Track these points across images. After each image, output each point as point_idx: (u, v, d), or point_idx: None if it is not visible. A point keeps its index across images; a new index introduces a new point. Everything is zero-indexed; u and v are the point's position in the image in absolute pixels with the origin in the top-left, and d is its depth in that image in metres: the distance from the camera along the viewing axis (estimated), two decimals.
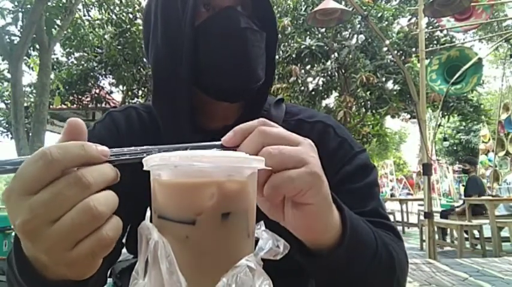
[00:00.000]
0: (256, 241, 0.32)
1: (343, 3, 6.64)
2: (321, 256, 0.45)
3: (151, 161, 0.30)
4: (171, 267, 0.27)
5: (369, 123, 10.47)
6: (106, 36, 7.66)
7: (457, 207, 6.48)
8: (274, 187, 0.36)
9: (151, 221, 0.31)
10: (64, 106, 8.55)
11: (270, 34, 0.66)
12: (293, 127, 0.70)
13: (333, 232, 0.44)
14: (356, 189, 0.63)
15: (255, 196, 0.33)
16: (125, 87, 8.84)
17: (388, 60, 8.03)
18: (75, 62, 8.34)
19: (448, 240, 6.22)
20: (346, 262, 0.47)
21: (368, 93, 8.34)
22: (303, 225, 0.41)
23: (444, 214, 6.50)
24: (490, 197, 6.02)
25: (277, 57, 9.01)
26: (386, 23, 8.37)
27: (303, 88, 8.91)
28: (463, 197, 6.74)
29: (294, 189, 0.37)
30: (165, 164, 0.29)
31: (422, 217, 5.68)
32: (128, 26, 7.20)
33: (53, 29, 4.96)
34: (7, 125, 8.69)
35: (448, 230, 6.12)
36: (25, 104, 5.62)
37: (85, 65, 8.11)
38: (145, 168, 0.31)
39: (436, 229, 5.16)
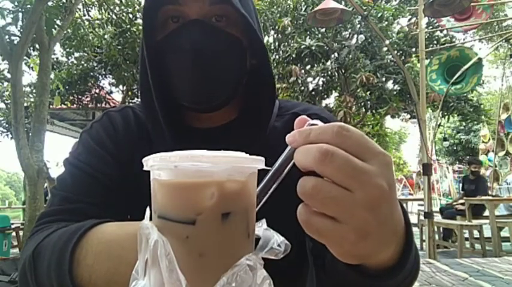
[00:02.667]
0: (257, 240, 0.32)
1: (343, 3, 6.63)
2: (376, 276, 0.40)
3: (151, 161, 0.30)
4: (170, 265, 0.27)
5: (369, 123, 10.46)
6: (106, 36, 7.64)
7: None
8: (307, 225, 0.31)
9: (151, 221, 0.31)
10: (64, 106, 8.55)
11: (255, 42, 0.64)
12: (288, 121, 0.70)
13: (392, 255, 0.39)
14: None
15: (254, 195, 0.33)
16: (124, 87, 8.83)
17: (388, 60, 8.03)
18: (75, 62, 8.33)
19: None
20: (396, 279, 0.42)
21: (368, 93, 8.33)
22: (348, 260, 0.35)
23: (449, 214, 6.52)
24: (490, 197, 6.02)
25: (277, 57, 8.86)
26: (386, 23, 8.36)
27: (303, 88, 8.90)
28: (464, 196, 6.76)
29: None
30: (165, 164, 0.29)
31: (422, 217, 5.68)
32: (128, 26, 7.18)
33: (53, 29, 4.94)
34: (7, 125, 8.68)
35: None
36: (25, 104, 5.61)
37: (85, 65, 8.10)
38: (145, 168, 0.31)
39: (436, 229, 5.16)
